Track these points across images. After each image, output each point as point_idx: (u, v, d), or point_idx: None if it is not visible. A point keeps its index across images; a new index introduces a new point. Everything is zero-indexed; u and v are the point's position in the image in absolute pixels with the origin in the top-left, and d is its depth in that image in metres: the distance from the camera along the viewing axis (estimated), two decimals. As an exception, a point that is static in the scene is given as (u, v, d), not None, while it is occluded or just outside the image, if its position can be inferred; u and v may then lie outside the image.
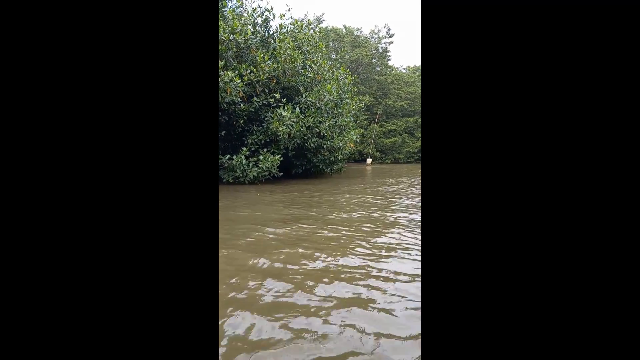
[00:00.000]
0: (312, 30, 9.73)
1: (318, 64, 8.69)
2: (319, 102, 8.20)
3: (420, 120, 22.46)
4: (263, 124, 7.71)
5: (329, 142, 8.33)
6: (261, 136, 7.65)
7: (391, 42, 22.44)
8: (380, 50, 22.15)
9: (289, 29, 9.28)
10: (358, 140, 8.75)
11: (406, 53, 50.35)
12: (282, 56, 7.79)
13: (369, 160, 17.61)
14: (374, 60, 22.05)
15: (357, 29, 22.47)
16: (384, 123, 22.01)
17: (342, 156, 8.64)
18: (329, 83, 8.93)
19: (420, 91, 22.98)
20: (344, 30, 21.37)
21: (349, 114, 9.90)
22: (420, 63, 28.09)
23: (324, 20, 21.79)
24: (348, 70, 12.03)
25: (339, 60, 20.87)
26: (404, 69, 25.95)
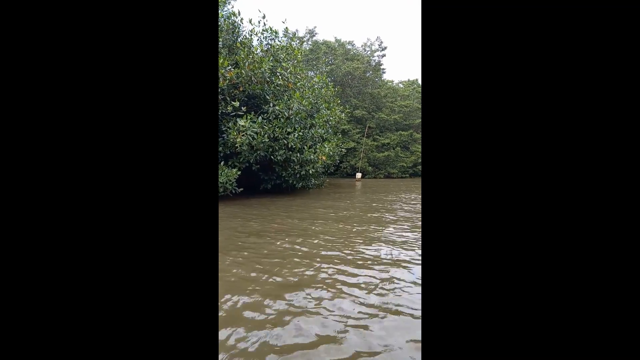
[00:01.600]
0: (288, 39, 9.16)
1: (289, 71, 8.04)
2: (288, 112, 7.50)
3: (415, 134, 21.84)
4: (223, 135, 7.00)
5: (298, 155, 7.55)
6: (220, 148, 6.92)
7: (384, 56, 22.09)
8: (373, 64, 21.73)
9: (262, 35, 8.74)
10: (332, 152, 7.91)
11: (401, 67, 50.51)
12: (245, 62, 7.17)
13: (358, 175, 16.78)
14: (367, 74, 21.62)
15: (350, 42, 22.20)
16: (377, 137, 21.34)
17: (314, 170, 7.82)
18: (301, 92, 8.28)
19: (415, 104, 22.45)
20: (336, 44, 21.06)
21: (325, 125, 9.20)
22: (415, 77, 27.71)
23: (316, 33, 21.58)
24: (326, 77, 11.44)
25: (331, 73, 20.51)
26: (400, 83, 25.53)
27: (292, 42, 9.52)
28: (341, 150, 13.59)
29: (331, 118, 9.68)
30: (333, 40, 21.27)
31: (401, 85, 25.29)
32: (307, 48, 20.85)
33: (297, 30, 21.88)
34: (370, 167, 20.29)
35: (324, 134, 9.16)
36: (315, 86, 9.34)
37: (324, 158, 7.65)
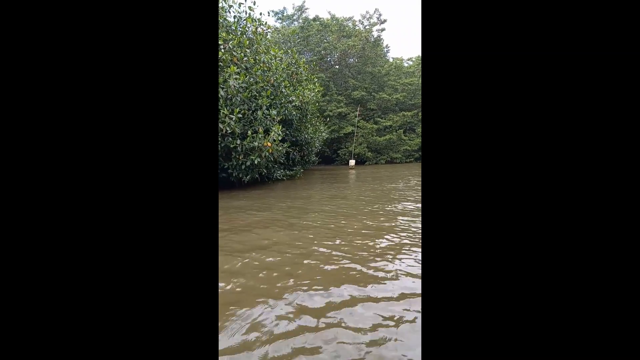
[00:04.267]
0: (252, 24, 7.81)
1: (230, 43, 6.78)
2: (225, 91, 6.29)
3: (420, 114, 19.90)
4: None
5: (238, 141, 6.34)
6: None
7: (383, 30, 19.98)
8: (372, 39, 19.76)
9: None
10: (277, 138, 6.61)
11: (410, 44, 46.95)
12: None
13: (351, 162, 15.21)
14: (367, 52, 19.75)
15: (348, 19, 20.29)
16: (379, 119, 19.60)
17: (259, 160, 6.59)
18: (246, 68, 7.01)
19: (419, 82, 20.38)
20: (332, 21, 19.27)
21: (284, 107, 7.89)
22: (418, 55, 25.43)
23: (307, 8, 19.89)
24: (296, 53, 9.98)
25: (325, 52, 18.87)
26: (408, 60, 23.30)
27: (259, 27, 8.23)
28: (321, 135, 12.25)
29: (294, 98, 8.33)
30: (328, 16, 19.45)
31: (408, 63, 23.09)
32: (297, 26, 19.27)
33: (284, 8, 20.36)
34: (370, 153, 18.67)
35: (284, 116, 7.88)
36: (274, 60, 7.99)
37: (268, 145, 6.39)
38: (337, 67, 20.27)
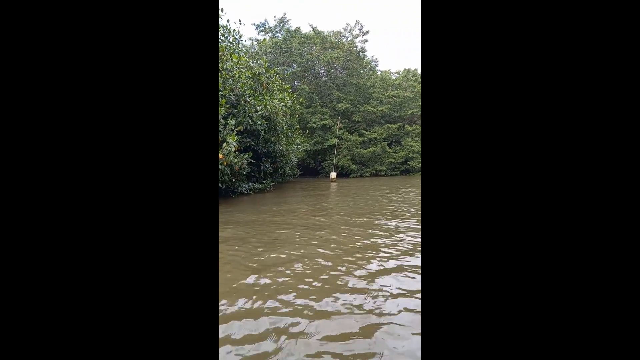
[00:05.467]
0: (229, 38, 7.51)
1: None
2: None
3: (407, 127, 19.64)
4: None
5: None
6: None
7: (366, 41, 19.96)
8: (356, 51, 19.68)
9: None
10: (229, 150, 6.11)
11: (400, 57, 47.49)
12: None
13: (332, 175, 14.62)
14: (352, 64, 19.62)
15: (333, 33, 20.24)
16: (364, 131, 19.30)
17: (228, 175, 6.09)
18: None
19: (407, 94, 20.23)
20: (312, 33, 19.19)
21: (248, 116, 7.45)
22: (415, 67, 25.64)
23: (289, 20, 19.81)
24: (267, 62, 9.63)
25: (307, 64, 18.71)
26: (396, 73, 23.24)
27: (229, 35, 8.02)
28: (297, 147, 11.82)
29: (259, 108, 7.90)
30: (310, 29, 19.38)
31: (395, 75, 23.02)
32: (280, 38, 19.14)
33: (265, 20, 20.28)
34: (354, 165, 18.25)
35: (248, 126, 7.42)
36: (236, 71, 7.59)
37: (221, 157, 5.88)
38: (323, 78, 20.09)
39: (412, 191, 8.50)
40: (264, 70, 9.38)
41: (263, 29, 19.88)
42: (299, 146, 11.79)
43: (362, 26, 19.51)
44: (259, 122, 7.95)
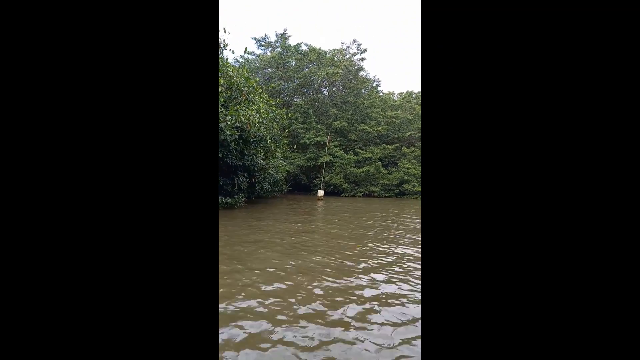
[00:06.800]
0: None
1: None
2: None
3: (405, 148, 19.06)
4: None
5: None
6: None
7: (363, 59, 19.74)
8: (353, 69, 19.47)
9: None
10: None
11: (403, 79, 47.48)
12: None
13: (320, 193, 13.88)
14: (352, 82, 19.37)
15: (333, 52, 20.15)
16: (359, 150, 18.76)
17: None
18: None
19: (406, 116, 19.77)
20: (307, 50, 19.09)
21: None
22: (417, 89, 25.35)
23: (289, 36, 19.78)
24: (246, 68, 9.23)
25: (303, 80, 18.51)
26: (397, 94, 22.92)
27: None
28: (280, 163, 11.24)
29: (229, 118, 7.42)
30: (306, 48, 19.27)
31: (397, 97, 22.69)
32: (276, 52, 19.07)
33: (265, 35, 20.30)
34: (347, 184, 17.58)
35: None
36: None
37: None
38: (320, 95, 19.84)
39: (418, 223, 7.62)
40: (244, 80, 8.98)
41: (263, 43, 19.89)
42: (283, 161, 11.20)
43: (359, 44, 19.36)
44: (228, 132, 7.44)
